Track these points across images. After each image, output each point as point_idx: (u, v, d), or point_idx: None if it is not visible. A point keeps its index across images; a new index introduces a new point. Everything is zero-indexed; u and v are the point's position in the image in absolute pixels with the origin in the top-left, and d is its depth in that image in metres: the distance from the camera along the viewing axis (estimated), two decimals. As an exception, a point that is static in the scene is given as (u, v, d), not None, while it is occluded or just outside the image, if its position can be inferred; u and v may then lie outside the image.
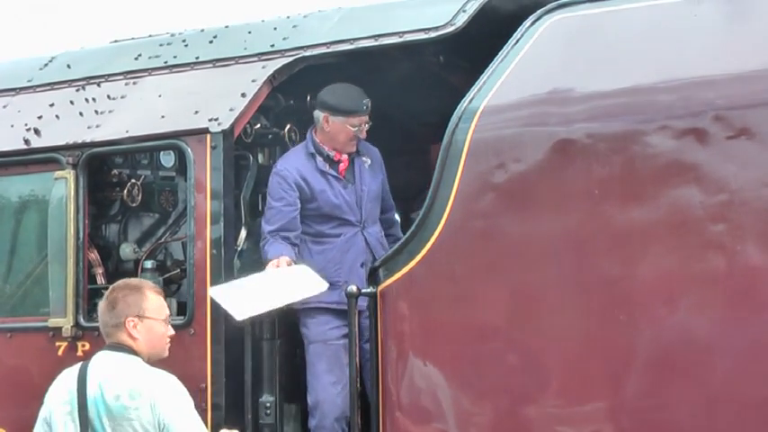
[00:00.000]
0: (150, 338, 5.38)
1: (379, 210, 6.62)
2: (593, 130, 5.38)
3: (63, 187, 6.50)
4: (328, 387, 6.19)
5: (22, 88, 7.19)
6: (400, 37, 6.29)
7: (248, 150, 7.06)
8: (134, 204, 6.89)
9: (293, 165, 6.49)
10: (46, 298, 6.57)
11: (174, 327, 5.85)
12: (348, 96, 6.49)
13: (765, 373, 5.02)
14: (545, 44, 5.61)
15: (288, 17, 6.90)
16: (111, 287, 5.52)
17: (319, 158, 6.49)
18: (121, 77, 6.90)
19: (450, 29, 6.15)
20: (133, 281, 5.65)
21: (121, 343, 5.34)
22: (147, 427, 5.15)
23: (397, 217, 7.02)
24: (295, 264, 6.26)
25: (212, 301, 6.07)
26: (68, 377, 5.37)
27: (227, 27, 7.05)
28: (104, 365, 5.30)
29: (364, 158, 6.61)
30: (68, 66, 7.20)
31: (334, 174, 6.50)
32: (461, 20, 6.14)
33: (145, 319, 5.36)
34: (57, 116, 6.82)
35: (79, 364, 5.38)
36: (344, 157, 6.53)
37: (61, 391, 5.34)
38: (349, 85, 6.55)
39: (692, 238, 5.14)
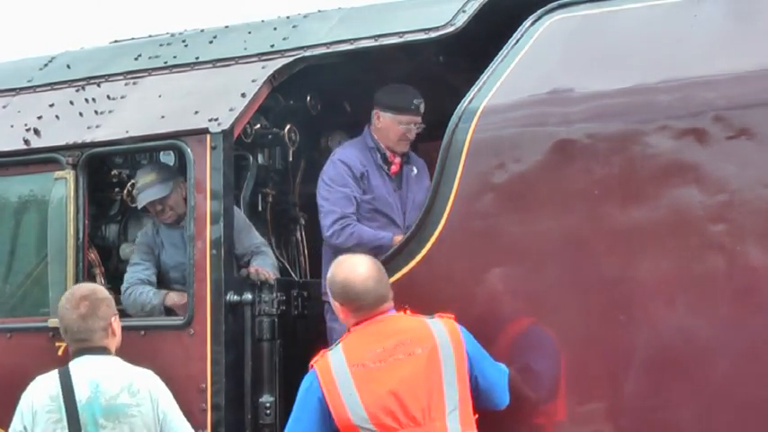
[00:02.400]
0: (120, 333, 5.48)
1: None
2: (593, 130, 5.38)
3: (63, 187, 6.49)
4: None
5: (22, 88, 7.18)
6: (400, 37, 6.29)
7: (248, 150, 7.06)
8: (134, 204, 6.89)
9: (356, 155, 6.54)
10: (46, 298, 6.56)
11: (174, 327, 5.84)
12: (400, 94, 6.57)
13: (764, 373, 5.02)
14: (545, 44, 5.61)
15: (288, 17, 6.90)
16: (78, 296, 5.43)
17: (378, 154, 6.56)
18: (121, 77, 6.89)
19: (450, 29, 6.16)
20: (93, 285, 5.73)
21: (102, 346, 5.35)
22: (147, 422, 5.18)
23: None
24: None
25: (212, 300, 6.09)
26: (46, 385, 5.28)
27: (227, 27, 7.05)
28: (93, 368, 5.27)
29: (412, 167, 6.69)
30: (68, 66, 7.20)
31: (388, 172, 6.57)
32: (461, 20, 6.15)
33: (118, 316, 5.49)
34: (57, 116, 6.82)
35: (54, 372, 5.31)
36: (397, 159, 6.60)
37: (43, 399, 5.24)
38: (406, 85, 6.61)
39: (691, 239, 5.14)
